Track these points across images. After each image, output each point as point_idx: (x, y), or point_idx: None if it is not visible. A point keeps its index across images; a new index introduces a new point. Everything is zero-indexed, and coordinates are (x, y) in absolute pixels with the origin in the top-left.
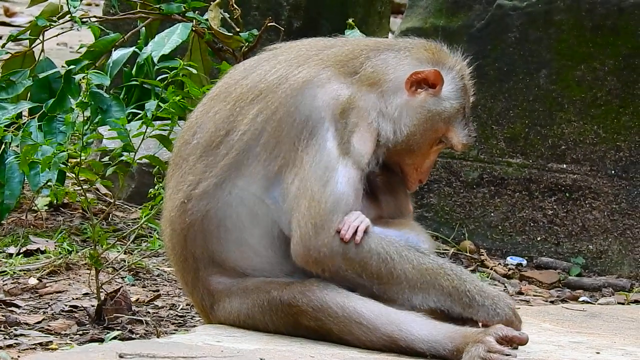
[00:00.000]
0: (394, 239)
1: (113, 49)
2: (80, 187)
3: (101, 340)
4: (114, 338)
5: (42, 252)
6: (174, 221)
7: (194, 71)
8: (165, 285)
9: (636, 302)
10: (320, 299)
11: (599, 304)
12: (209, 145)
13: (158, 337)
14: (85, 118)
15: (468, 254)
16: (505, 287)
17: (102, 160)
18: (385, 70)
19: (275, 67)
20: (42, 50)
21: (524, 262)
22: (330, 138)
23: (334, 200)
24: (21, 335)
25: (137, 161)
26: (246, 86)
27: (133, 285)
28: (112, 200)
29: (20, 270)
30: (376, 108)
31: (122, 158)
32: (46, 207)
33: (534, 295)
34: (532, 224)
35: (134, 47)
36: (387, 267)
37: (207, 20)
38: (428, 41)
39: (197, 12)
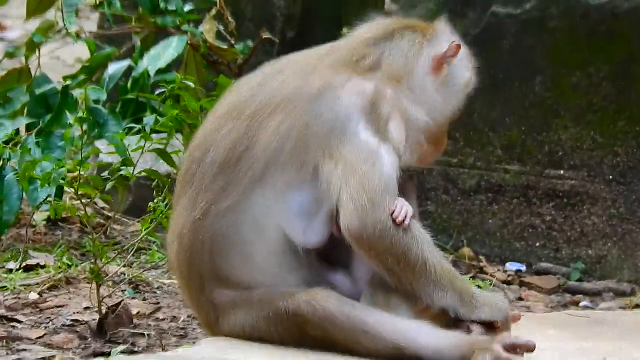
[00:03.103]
0: (426, 234)
1: (109, 63)
2: (80, 201)
3: (104, 355)
4: (122, 352)
5: (42, 267)
6: (183, 237)
7: (192, 85)
8: (166, 298)
9: (639, 306)
10: (325, 308)
11: (600, 309)
12: (226, 162)
13: (163, 349)
14: (83, 132)
15: (467, 261)
16: (506, 293)
17: (101, 175)
18: (405, 62)
19: (285, 81)
20: (39, 66)
21: (524, 268)
22: (364, 130)
23: (384, 181)
24: (24, 350)
25: (136, 175)
26: (260, 102)
27: (133, 298)
28: (110, 214)
29: (20, 286)
30: (405, 97)
31: (121, 172)
32: (45, 222)
33: (535, 301)
34: (530, 230)
35: (129, 60)
36: (423, 258)
37: (202, 33)
38: (426, 21)
39: (192, 24)
